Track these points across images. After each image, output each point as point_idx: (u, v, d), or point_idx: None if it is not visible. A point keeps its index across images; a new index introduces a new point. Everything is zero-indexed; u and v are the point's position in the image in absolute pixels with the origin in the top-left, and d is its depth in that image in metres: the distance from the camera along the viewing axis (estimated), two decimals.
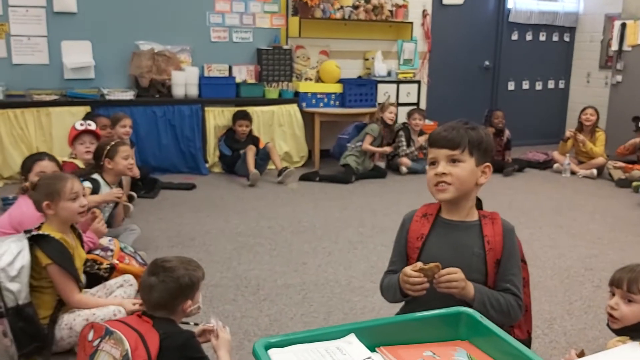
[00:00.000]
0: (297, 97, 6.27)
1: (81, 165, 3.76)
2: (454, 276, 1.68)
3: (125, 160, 3.55)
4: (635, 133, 5.75)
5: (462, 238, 1.80)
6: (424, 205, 1.92)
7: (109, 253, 2.97)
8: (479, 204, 1.89)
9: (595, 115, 6.18)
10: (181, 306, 1.96)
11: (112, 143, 3.58)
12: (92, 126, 3.92)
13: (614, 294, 1.89)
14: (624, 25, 6.51)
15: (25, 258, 2.32)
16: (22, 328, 2.32)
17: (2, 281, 2.28)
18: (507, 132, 6.40)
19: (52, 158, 3.13)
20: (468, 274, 1.72)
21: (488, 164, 1.79)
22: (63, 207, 2.45)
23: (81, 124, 3.89)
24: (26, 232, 2.42)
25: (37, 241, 2.37)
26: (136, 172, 4.02)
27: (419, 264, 1.70)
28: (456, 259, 1.74)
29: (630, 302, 1.84)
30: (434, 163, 1.78)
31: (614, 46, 6.66)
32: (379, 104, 6.29)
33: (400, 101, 6.70)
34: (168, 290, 1.91)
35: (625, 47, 6.52)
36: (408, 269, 1.70)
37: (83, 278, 2.62)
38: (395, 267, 1.90)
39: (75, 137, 3.87)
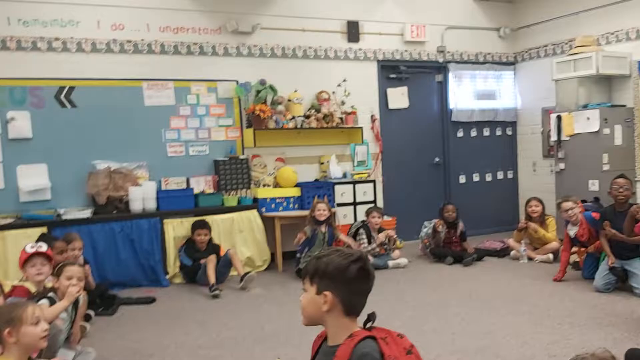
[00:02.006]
0: (256, 203, 6.38)
1: (32, 288, 3.67)
2: None
3: (68, 280, 3.53)
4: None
5: None
6: None
7: None
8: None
9: (540, 205, 6.44)
10: None
11: (62, 263, 3.63)
12: (43, 248, 3.85)
13: None
14: (559, 118, 6.94)
15: None
16: None
17: None
18: (460, 224, 6.58)
19: None
20: None
21: (326, 292, 1.79)
22: (25, 333, 2.42)
23: (32, 247, 3.82)
24: None
25: None
26: (73, 292, 3.80)
27: None
28: None
29: None
30: None
31: (553, 137, 7.05)
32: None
33: (358, 200, 6.86)
34: None
35: (564, 137, 6.91)
36: None
37: None
38: None
39: (26, 259, 3.79)
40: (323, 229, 5.96)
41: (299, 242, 5.92)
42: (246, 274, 5.53)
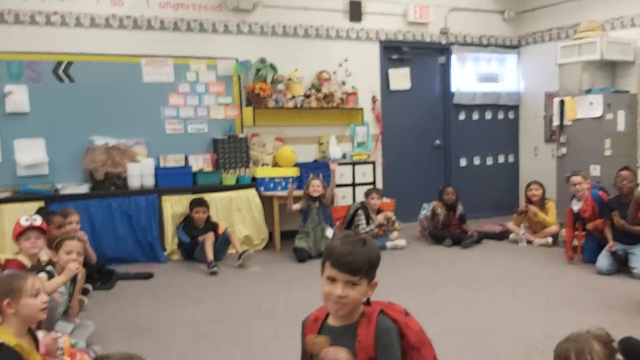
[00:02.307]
0: (254, 182, 6.35)
1: (26, 261, 3.64)
2: (340, 357, 1.74)
3: (67, 255, 3.53)
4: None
5: (340, 343, 1.83)
6: (317, 309, 1.99)
7: (59, 352, 2.86)
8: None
9: (540, 189, 6.42)
10: None
11: (61, 237, 3.64)
12: (38, 221, 3.77)
13: None
14: (562, 102, 6.89)
15: None
16: None
17: None
18: (460, 207, 6.56)
19: None
20: None
21: (376, 280, 1.87)
22: (25, 305, 2.41)
23: (26, 219, 3.75)
24: None
25: None
26: (72, 268, 3.74)
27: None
28: None
29: None
30: (331, 279, 1.82)
31: (556, 121, 7.01)
32: None
33: (357, 181, 6.86)
34: None
35: (566, 122, 6.87)
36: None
37: None
38: None
39: (21, 233, 3.72)
40: (317, 204, 5.98)
41: (290, 209, 5.94)
42: (244, 251, 5.52)
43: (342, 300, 1.79)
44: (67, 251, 3.54)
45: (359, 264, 1.79)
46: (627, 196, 5.06)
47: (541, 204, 6.39)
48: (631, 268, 4.91)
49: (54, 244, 3.61)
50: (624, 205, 4.99)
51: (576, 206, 5.49)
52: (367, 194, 6.33)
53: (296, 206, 5.97)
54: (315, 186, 5.95)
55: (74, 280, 3.66)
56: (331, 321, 1.89)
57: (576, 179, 5.48)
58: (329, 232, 5.90)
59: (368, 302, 1.89)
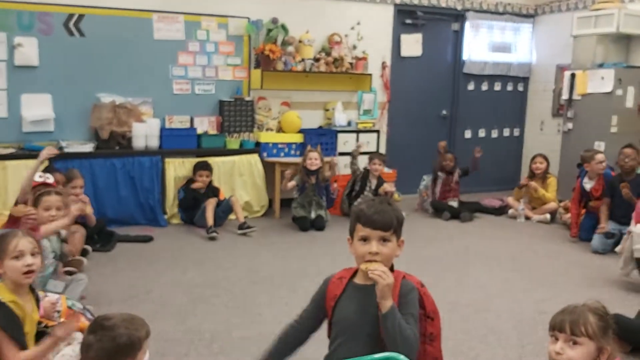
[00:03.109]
0: (258, 147, 6.35)
1: None
2: (386, 276, 1.89)
3: (46, 211, 3.43)
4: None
5: (366, 299, 1.98)
6: (342, 270, 2.14)
7: (56, 315, 2.90)
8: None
9: (545, 162, 6.42)
10: None
11: (39, 192, 3.53)
12: (50, 179, 3.85)
13: (557, 339, 1.85)
14: (573, 76, 6.80)
15: None
16: None
17: None
18: (457, 171, 6.59)
19: None
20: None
21: (402, 239, 2.04)
22: (8, 267, 2.40)
23: (40, 176, 3.82)
24: None
25: None
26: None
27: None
28: (359, 318, 2.00)
29: (575, 345, 1.81)
30: (365, 239, 1.96)
31: (565, 95, 6.92)
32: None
33: (361, 150, 6.81)
34: (104, 350, 1.80)
35: (575, 96, 6.79)
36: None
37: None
38: (303, 317, 2.19)
39: (32, 188, 3.75)
40: (313, 180, 5.86)
41: (285, 186, 5.86)
42: (248, 226, 5.50)
43: (376, 257, 1.95)
44: (45, 207, 3.44)
45: (389, 220, 1.97)
46: (629, 174, 5.15)
47: (543, 177, 6.39)
48: None
49: (33, 201, 3.51)
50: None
51: (588, 185, 5.52)
52: (370, 159, 6.31)
53: (291, 183, 5.82)
54: (313, 159, 5.78)
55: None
56: (358, 280, 2.05)
57: (602, 156, 5.50)
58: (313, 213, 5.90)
59: (392, 269, 2.04)
